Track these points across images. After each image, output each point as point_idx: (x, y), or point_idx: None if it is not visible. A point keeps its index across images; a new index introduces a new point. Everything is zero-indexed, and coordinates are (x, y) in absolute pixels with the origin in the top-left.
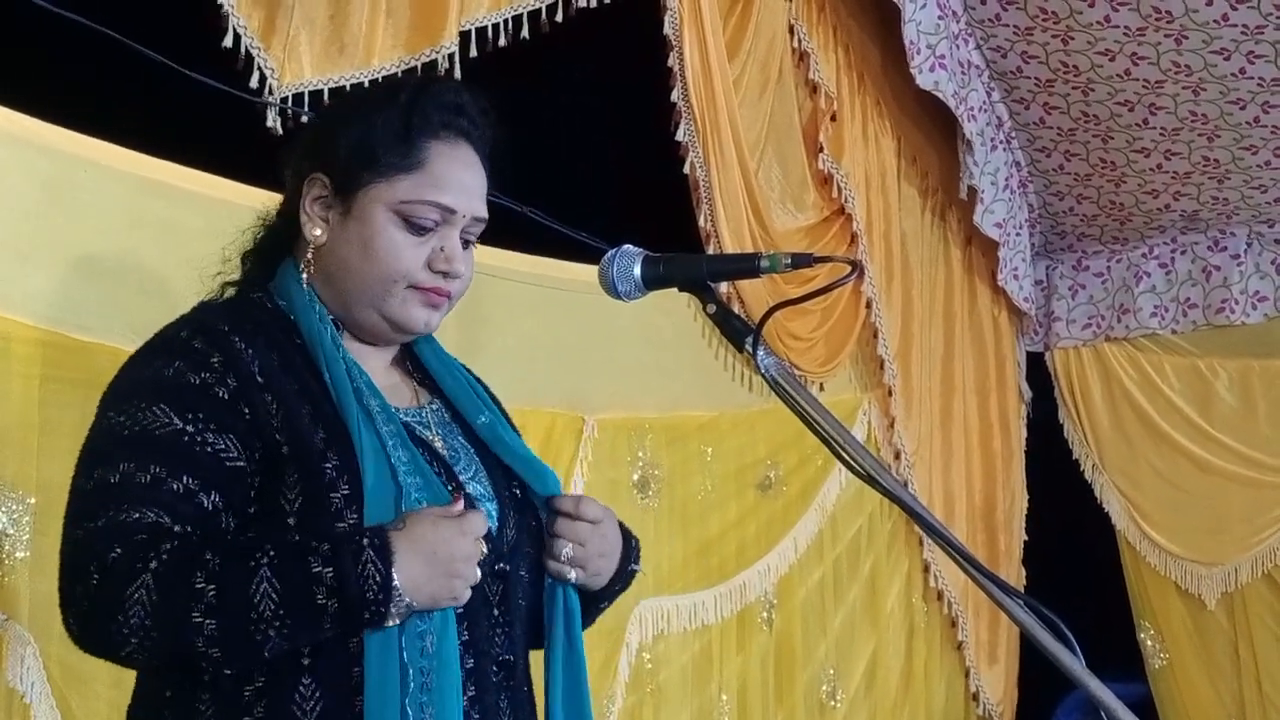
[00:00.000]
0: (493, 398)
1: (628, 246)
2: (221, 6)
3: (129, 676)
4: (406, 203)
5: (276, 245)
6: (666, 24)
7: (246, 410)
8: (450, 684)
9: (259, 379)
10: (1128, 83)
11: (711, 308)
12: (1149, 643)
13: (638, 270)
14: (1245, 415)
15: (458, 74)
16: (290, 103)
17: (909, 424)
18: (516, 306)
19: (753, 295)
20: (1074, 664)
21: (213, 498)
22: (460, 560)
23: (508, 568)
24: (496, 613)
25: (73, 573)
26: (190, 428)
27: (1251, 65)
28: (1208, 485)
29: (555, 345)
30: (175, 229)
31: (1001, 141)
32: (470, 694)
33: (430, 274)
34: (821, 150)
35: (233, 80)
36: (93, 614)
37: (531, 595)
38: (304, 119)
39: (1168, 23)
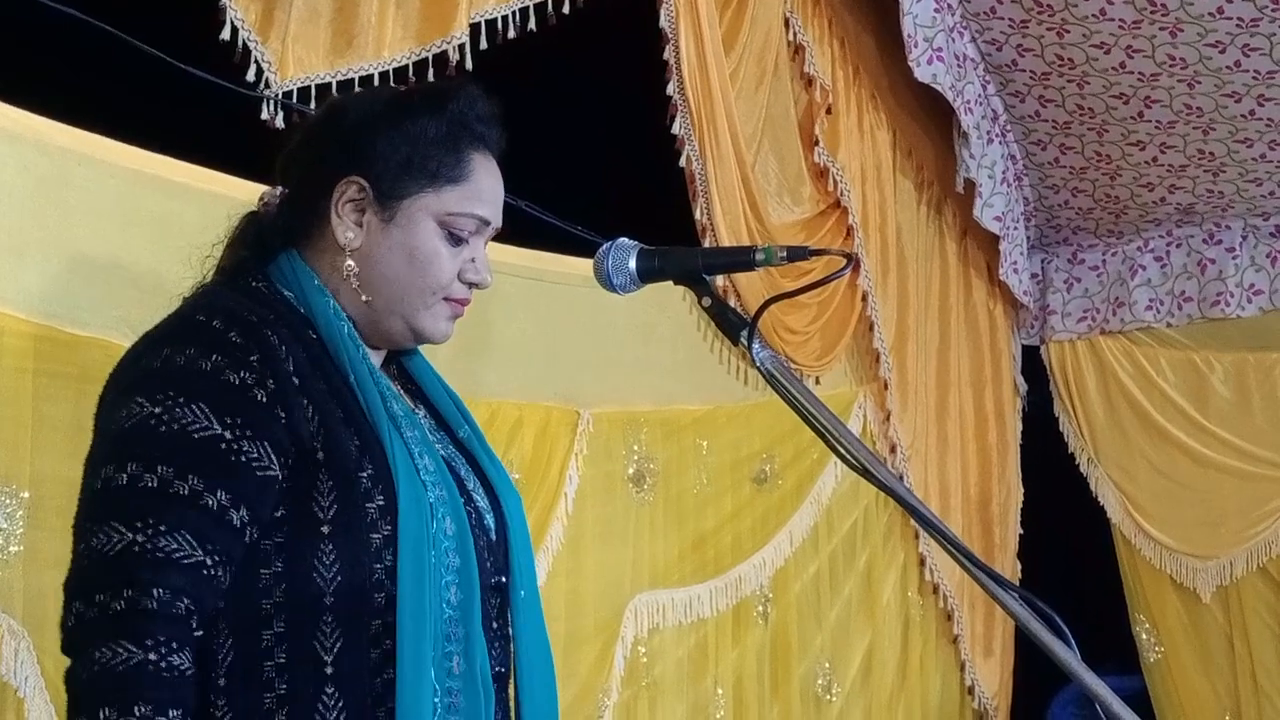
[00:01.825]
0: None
1: (623, 240)
2: None
3: None
4: (452, 214)
5: (277, 235)
6: (662, 17)
7: (283, 415)
8: (476, 704)
9: (294, 380)
10: (1123, 76)
11: (706, 301)
12: (1144, 636)
13: (633, 263)
14: (1240, 408)
15: (469, 65)
16: (295, 97)
17: (904, 417)
18: (511, 300)
19: (749, 288)
20: (1069, 657)
21: (241, 513)
22: None
23: (505, 580)
24: (495, 625)
25: (85, 586)
26: (229, 434)
27: (1246, 58)
28: (1203, 479)
29: (550, 339)
30: (170, 223)
31: (997, 135)
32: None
33: (460, 285)
34: (817, 143)
35: (229, 74)
36: (73, 646)
37: (535, 613)
38: (304, 111)
39: (1163, 16)
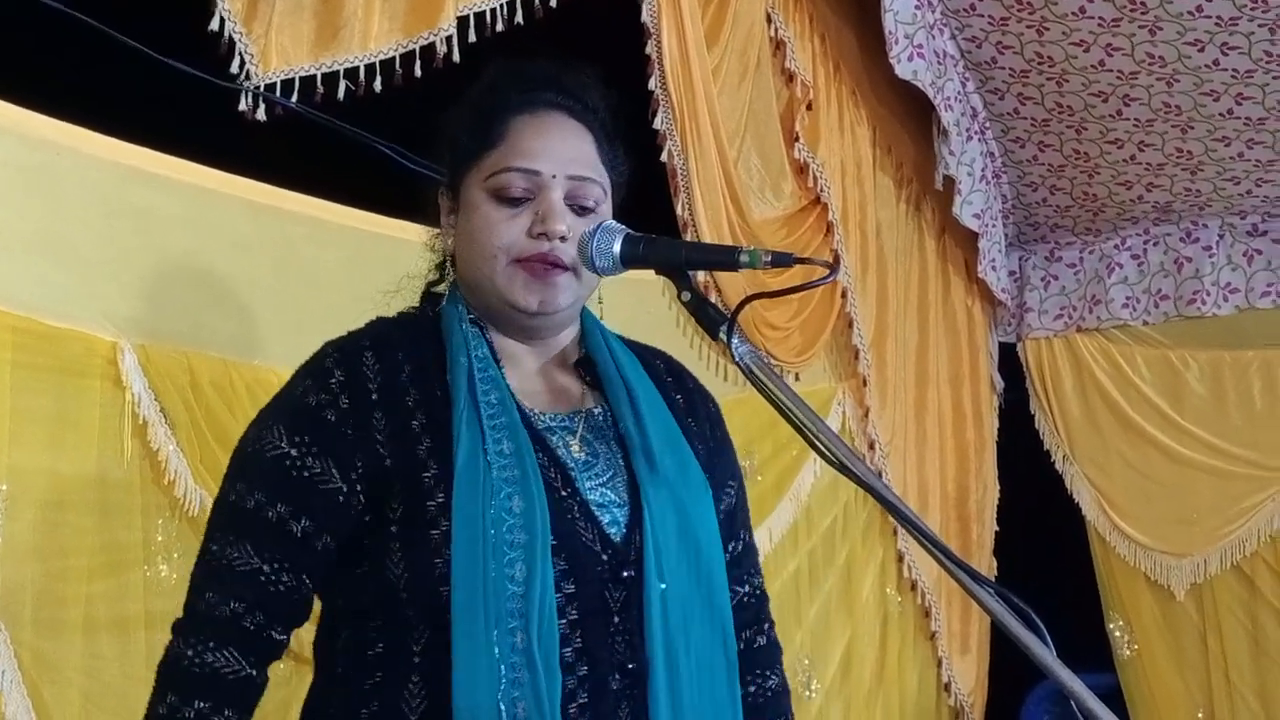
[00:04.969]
0: (689, 400)
1: (611, 222)
2: None
3: (101, 665)
4: (491, 176)
5: (445, 270)
6: (644, 12)
7: (349, 431)
8: (538, 680)
9: (374, 396)
10: (1102, 74)
11: (686, 295)
12: (1118, 633)
13: (617, 247)
14: (1216, 407)
15: (456, 58)
16: (279, 90)
17: (883, 414)
18: None
19: (729, 284)
20: (1044, 653)
21: (303, 524)
22: None
23: (635, 575)
24: (617, 620)
25: (189, 593)
26: (294, 451)
27: (1225, 57)
28: (1178, 476)
29: None
30: (153, 216)
31: (976, 132)
32: (582, 700)
33: (530, 240)
34: (797, 139)
35: (214, 67)
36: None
37: (693, 611)
38: (286, 105)
39: (1142, 14)
